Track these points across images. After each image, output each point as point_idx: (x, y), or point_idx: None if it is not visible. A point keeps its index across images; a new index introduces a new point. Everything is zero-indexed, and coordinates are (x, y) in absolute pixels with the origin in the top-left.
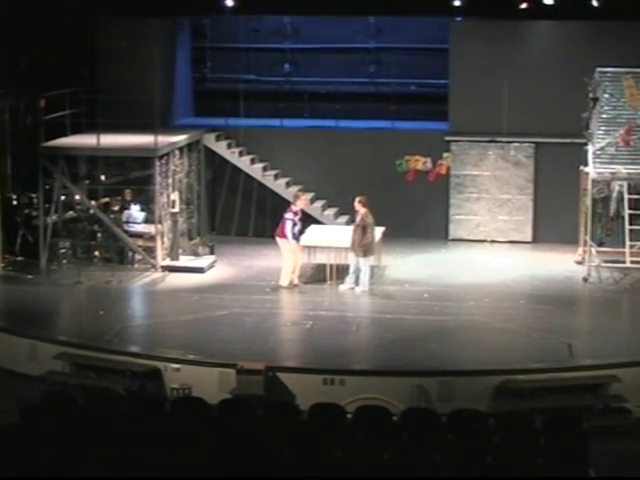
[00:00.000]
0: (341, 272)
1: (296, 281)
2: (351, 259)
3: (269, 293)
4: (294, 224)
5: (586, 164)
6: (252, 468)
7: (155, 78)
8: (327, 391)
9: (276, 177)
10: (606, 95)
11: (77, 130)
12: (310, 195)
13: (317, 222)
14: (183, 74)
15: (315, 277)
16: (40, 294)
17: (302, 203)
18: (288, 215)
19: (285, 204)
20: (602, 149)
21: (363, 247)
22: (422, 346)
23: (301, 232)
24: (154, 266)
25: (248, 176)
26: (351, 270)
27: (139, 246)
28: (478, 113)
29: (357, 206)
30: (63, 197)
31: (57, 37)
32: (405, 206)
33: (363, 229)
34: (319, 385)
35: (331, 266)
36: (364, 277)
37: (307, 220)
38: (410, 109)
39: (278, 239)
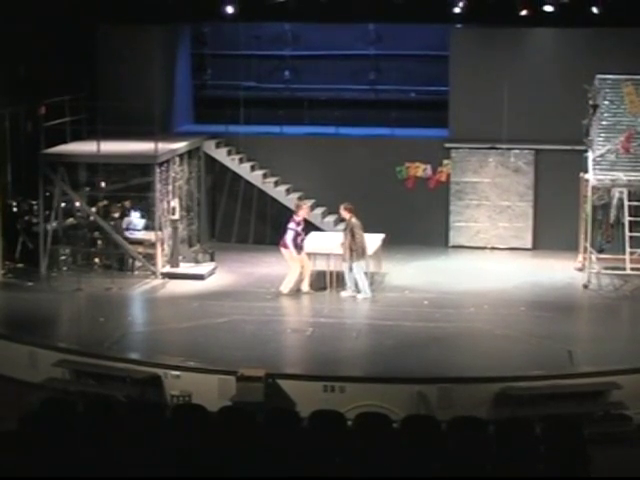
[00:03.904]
0: (341, 279)
1: (307, 289)
2: (344, 267)
3: (269, 300)
4: (297, 234)
5: (586, 171)
6: (252, 475)
7: (155, 85)
8: (327, 398)
9: (276, 184)
10: (606, 102)
11: (77, 137)
12: (310, 202)
13: (317, 229)
14: (183, 81)
15: (315, 284)
16: (40, 301)
17: (304, 212)
18: (291, 225)
19: (286, 211)
20: (602, 156)
21: (355, 251)
22: (422, 353)
23: (302, 245)
24: (154, 273)
25: (248, 183)
26: (347, 279)
27: (139, 253)
28: (478, 120)
29: (343, 213)
30: (63, 204)
31: (57, 44)
32: (405, 213)
33: (352, 234)
34: (319, 392)
35: (331, 273)
36: (362, 283)
37: (307, 227)
38: (410, 116)
39: (282, 250)
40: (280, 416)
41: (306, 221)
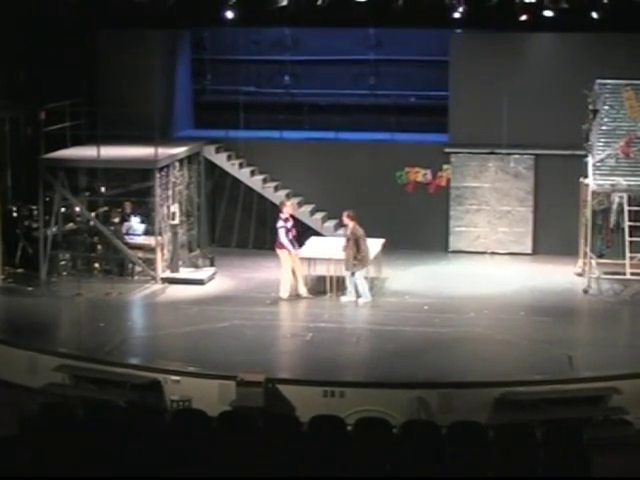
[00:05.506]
0: (341, 284)
1: (305, 293)
2: (345, 273)
3: (269, 305)
4: (287, 231)
5: (586, 176)
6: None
7: (155, 90)
8: (327, 403)
9: (276, 189)
10: (606, 107)
11: (77, 142)
12: (297, 200)
13: (317, 234)
14: (183, 86)
15: (315, 289)
16: (40, 306)
17: (289, 209)
18: (279, 224)
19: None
20: (602, 161)
21: (360, 261)
22: (422, 358)
23: (297, 239)
24: (154, 278)
25: (248, 188)
26: (348, 283)
27: (139, 258)
28: (478, 125)
29: (345, 220)
30: (63, 209)
31: (57, 49)
32: (405, 218)
33: (356, 242)
34: (319, 397)
35: (331, 278)
36: (363, 288)
37: (307, 232)
38: (410, 121)
39: (278, 250)
40: (280, 421)
41: (305, 225)
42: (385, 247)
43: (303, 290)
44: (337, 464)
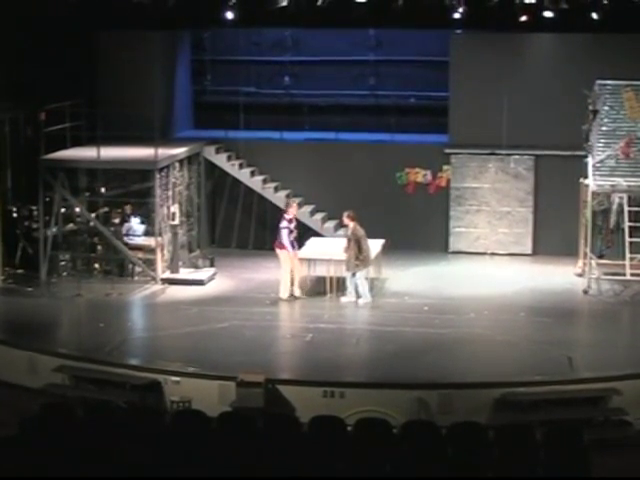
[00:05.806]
0: (341, 284)
1: (297, 293)
2: (346, 273)
3: (269, 305)
4: (290, 232)
5: (586, 176)
6: None
7: (155, 91)
8: (327, 404)
9: (276, 189)
10: (606, 107)
11: (77, 143)
12: (298, 199)
13: (317, 234)
14: (183, 87)
15: (315, 289)
16: (40, 306)
17: (294, 210)
18: (283, 224)
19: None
20: (602, 161)
21: (362, 261)
22: (422, 359)
23: (297, 241)
24: (154, 278)
25: (248, 188)
26: (348, 284)
27: (139, 258)
28: (478, 125)
29: (346, 220)
30: (63, 209)
31: (57, 50)
32: (405, 218)
33: (357, 243)
34: (319, 398)
35: (331, 278)
36: (363, 289)
37: (307, 232)
38: (410, 121)
39: (278, 250)
40: (280, 421)
41: (307, 227)
42: (385, 248)
43: (297, 291)
44: (337, 464)
